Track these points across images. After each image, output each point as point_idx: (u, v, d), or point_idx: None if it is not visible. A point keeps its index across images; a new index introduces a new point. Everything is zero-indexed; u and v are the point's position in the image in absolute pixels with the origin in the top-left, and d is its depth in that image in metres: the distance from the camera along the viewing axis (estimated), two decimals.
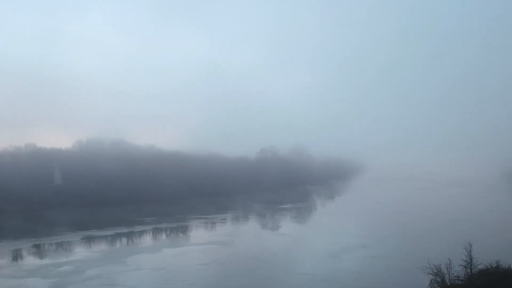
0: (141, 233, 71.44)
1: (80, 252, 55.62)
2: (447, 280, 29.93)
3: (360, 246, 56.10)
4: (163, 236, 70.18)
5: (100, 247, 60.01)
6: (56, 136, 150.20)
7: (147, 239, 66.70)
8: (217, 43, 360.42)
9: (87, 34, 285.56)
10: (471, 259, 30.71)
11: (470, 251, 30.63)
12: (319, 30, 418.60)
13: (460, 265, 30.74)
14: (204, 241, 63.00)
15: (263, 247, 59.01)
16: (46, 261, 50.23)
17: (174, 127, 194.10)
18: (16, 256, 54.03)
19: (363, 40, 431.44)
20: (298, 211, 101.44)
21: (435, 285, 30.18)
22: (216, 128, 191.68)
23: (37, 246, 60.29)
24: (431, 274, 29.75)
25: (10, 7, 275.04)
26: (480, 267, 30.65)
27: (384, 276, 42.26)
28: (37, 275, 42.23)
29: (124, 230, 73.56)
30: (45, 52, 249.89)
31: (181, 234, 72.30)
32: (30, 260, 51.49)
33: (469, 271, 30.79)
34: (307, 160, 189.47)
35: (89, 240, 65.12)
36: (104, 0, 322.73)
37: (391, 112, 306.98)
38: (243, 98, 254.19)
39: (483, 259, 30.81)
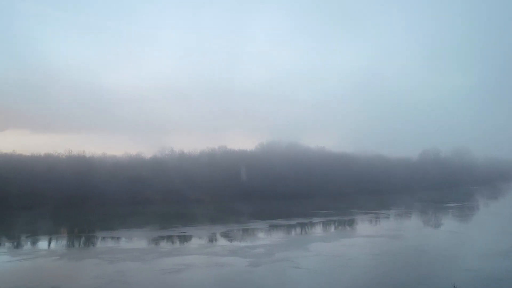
0: (318, 223, 70.55)
1: (268, 237, 56.05)
2: None
3: None
4: (336, 228, 68.76)
5: (284, 234, 60.02)
6: (243, 139, 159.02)
7: (323, 229, 65.76)
8: (372, 50, 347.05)
9: (256, 51, 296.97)
10: None
11: None
12: (478, 28, 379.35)
13: None
14: (372, 234, 60.27)
15: (428, 242, 54.30)
16: (241, 244, 51.19)
17: (341, 131, 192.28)
18: (214, 238, 56.20)
19: None
20: (461, 210, 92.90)
21: None
22: (379, 131, 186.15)
23: (230, 231, 62.20)
24: None
25: (196, 35, 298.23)
26: None
27: None
28: (237, 255, 43.24)
29: (304, 220, 73.93)
30: (227, 70, 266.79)
31: (350, 226, 70.26)
32: (227, 242, 52.87)
33: None
34: (470, 161, 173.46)
35: (274, 228, 65.68)
36: (265, 18, 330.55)
37: None
38: (403, 102, 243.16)
39: None
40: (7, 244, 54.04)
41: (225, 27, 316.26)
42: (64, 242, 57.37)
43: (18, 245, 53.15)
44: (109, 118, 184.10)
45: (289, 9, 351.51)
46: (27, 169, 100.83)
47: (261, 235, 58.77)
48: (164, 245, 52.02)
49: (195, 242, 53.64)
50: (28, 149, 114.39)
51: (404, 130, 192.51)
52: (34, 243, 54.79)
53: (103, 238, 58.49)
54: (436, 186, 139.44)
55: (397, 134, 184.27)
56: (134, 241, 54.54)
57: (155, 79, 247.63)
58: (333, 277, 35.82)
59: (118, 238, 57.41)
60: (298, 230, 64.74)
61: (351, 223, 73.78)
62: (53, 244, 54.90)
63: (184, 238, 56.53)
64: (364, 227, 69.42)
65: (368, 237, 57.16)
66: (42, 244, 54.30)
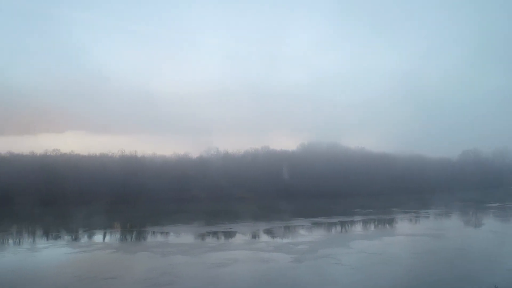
0: (358, 222, 69.38)
1: (310, 235, 55.40)
2: None
3: None
4: (376, 226, 67.51)
5: (326, 232, 59.26)
6: (285, 140, 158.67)
7: (363, 227, 64.61)
8: (412, 51, 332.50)
9: (295, 55, 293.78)
10: None
11: None
12: None
13: None
14: (412, 233, 58.56)
15: (469, 241, 52.17)
16: (284, 240, 50.83)
17: (381, 131, 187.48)
18: (258, 235, 56.02)
19: None
20: (502, 210, 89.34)
21: None
22: (419, 132, 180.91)
23: (274, 228, 61.88)
24: None
25: (237, 39, 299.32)
26: None
27: None
28: (281, 251, 42.97)
29: (345, 219, 73.09)
30: (268, 73, 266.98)
31: (391, 225, 68.71)
32: (271, 239, 52.37)
33: None
34: (511, 161, 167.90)
35: (316, 225, 65.16)
36: (304, 22, 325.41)
37: None
38: (443, 102, 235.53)
39: None
40: (67, 237, 55.95)
41: (266, 32, 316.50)
42: (117, 236, 58.93)
43: (76, 238, 54.95)
44: (158, 120, 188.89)
45: (329, 13, 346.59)
46: (84, 168, 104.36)
47: (303, 232, 58.34)
48: (211, 240, 52.44)
49: (240, 238, 53.85)
50: (85, 149, 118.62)
51: (444, 131, 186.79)
52: (90, 236, 56.53)
53: (153, 232, 59.66)
54: (476, 187, 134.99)
55: (437, 135, 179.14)
56: (182, 236, 55.23)
57: (200, 83, 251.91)
58: (375, 274, 35.13)
59: (167, 233, 58.36)
60: (340, 228, 63.96)
61: (391, 221, 72.32)
62: (107, 237, 56.46)
63: (230, 234, 56.85)
64: (404, 226, 67.89)
65: (409, 236, 55.80)
66: (98, 237, 55.94)
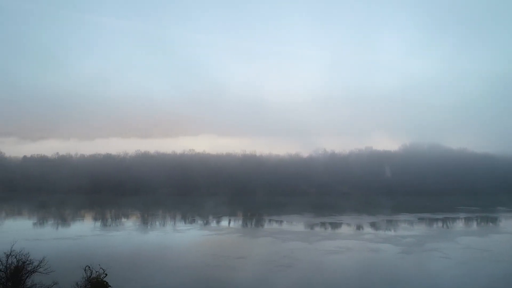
0: (463, 218, 63.72)
1: (416, 229, 51.80)
2: None
3: None
4: (482, 223, 61.32)
5: (431, 227, 54.76)
6: (386, 141, 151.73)
7: (469, 224, 59.07)
8: (509, 53, 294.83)
9: (388, 60, 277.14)
10: None
11: None
12: None
13: None
14: None
15: None
16: (391, 233, 48.15)
17: (482, 132, 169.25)
18: (366, 227, 53.61)
19: None
20: None
21: None
22: None
23: (380, 222, 59.52)
24: None
25: (332, 49, 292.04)
26: None
27: None
28: (389, 243, 40.78)
29: (450, 215, 67.71)
30: (364, 79, 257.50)
31: (497, 223, 61.76)
32: (378, 231, 49.72)
33: None
34: None
35: (421, 220, 61.26)
36: (395, 29, 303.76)
37: None
38: None
39: None
40: (200, 222, 59.27)
41: (359, 40, 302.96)
42: (241, 222, 61.08)
43: (207, 223, 57.93)
44: (272, 124, 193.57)
45: (420, 18, 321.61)
46: (213, 165, 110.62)
47: (409, 226, 55.00)
48: (323, 229, 51.74)
49: (349, 229, 52.50)
50: (214, 149, 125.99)
51: None
52: (219, 222, 59.25)
53: (270, 220, 60.71)
54: None
55: None
56: (296, 225, 55.25)
57: (304, 91, 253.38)
58: (482, 270, 31.69)
59: (282, 221, 58.94)
60: (444, 223, 59.07)
61: (497, 220, 65.35)
62: (232, 223, 58.74)
63: (339, 225, 55.68)
64: (511, 224, 61.23)
65: None
66: (225, 223, 58.49)
